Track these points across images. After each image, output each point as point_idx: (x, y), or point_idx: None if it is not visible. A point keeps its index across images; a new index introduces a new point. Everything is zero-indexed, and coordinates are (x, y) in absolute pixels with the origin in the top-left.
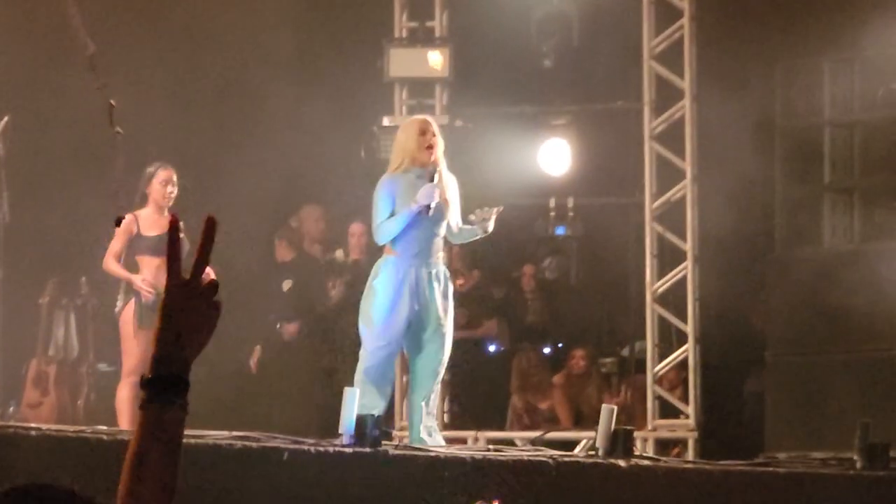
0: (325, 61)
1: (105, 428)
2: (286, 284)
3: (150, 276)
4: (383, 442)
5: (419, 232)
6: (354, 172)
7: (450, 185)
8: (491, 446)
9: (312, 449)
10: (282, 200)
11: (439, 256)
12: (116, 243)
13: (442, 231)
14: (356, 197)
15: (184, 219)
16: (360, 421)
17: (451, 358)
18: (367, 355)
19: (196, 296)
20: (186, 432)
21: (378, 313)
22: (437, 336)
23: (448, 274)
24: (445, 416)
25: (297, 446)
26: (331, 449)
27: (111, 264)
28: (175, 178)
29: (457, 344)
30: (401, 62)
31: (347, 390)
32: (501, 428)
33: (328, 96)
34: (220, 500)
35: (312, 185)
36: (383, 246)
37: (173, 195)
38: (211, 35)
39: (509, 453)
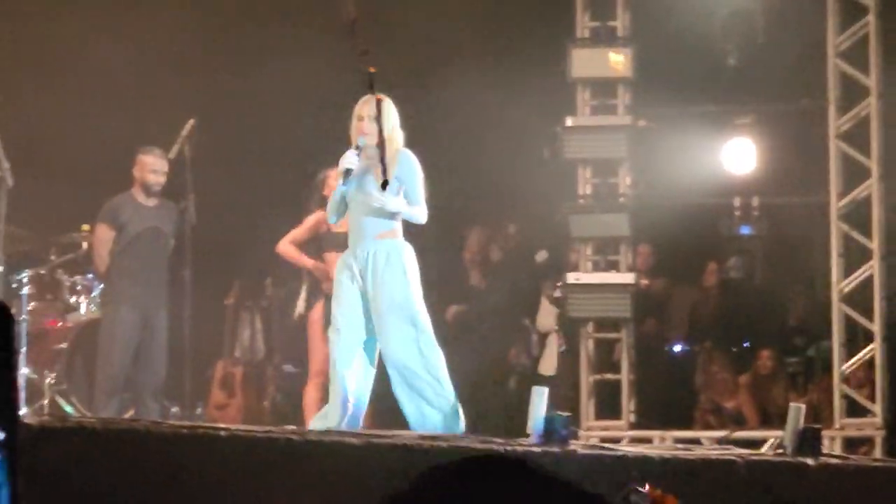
0: (508, 62)
1: (294, 428)
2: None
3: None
4: (571, 441)
5: (352, 211)
6: (539, 172)
7: (396, 163)
8: (678, 445)
9: (502, 448)
10: (468, 202)
11: (382, 234)
12: (300, 232)
13: (375, 210)
14: (542, 196)
15: None
16: (549, 420)
17: (636, 356)
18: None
19: None
20: (379, 432)
21: (336, 298)
22: (390, 318)
23: (401, 251)
24: (631, 416)
25: (485, 446)
26: (519, 448)
27: (287, 247)
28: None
29: (640, 343)
30: (583, 62)
31: (535, 389)
32: (687, 427)
33: (511, 97)
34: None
35: (498, 187)
36: None
37: None
38: (393, 34)
39: (697, 452)
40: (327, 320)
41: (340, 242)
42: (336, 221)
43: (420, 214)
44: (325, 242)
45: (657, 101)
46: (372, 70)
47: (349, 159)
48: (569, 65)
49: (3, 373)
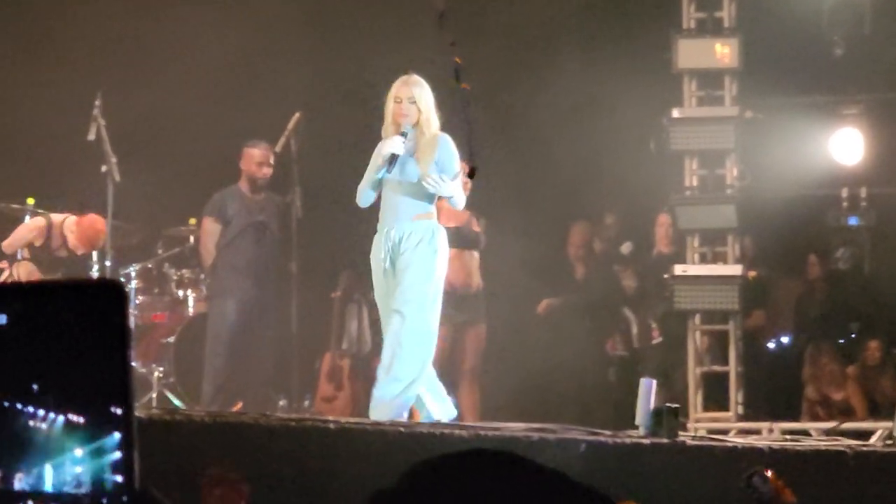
0: (614, 53)
1: (403, 420)
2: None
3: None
4: (679, 433)
5: (388, 192)
6: (647, 164)
7: (435, 146)
8: (787, 437)
9: (610, 441)
10: (572, 194)
11: (420, 216)
12: None
13: (414, 192)
14: (653, 188)
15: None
16: (657, 412)
17: (743, 348)
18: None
19: None
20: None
21: (375, 283)
22: (410, 296)
23: (436, 232)
24: (739, 408)
25: (594, 438)
26: (627, 440)
27: None
28: (466, 170)
29: (747, 335)
30: (690, 53)
31: (643, 381)
32: (795, 419)
33: (617, 88)
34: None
35: (606, 178)
36: None
37: (468, 187)
38: (497, 24)
39: (806, 443)
40: None
41: (450, 237)
42: (366, 205)
43: (461, 200)
44: None
45: (764, 91)
46: (458, 61)
47: (396, 145)
48: (675, 56)
49: (117, 350)
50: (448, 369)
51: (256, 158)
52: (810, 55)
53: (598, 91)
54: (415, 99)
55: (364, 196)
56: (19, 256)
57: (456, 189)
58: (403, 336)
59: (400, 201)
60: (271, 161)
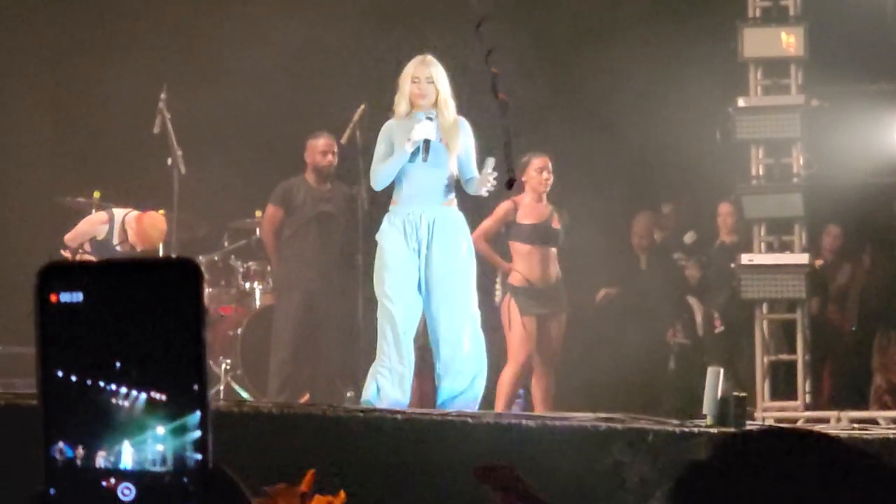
0: (679, 42)
1: (470, 411)
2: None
3: (521, 262)
4: (747, 422)
5: (415, 176)
6: (711, 153)
7: (459, 131)
8: (855, 425)
9: (677, 430)
10: (637, 184)
11: (447, 202)
12: (492, 225)
13: (442, 177)
14: (716, 178)
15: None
16: (724, 401)
17: (811, 336)
18: (381, 312)
19: None
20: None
21: (387, 270)
22: (459, 289)
23: (463, 219)
24: (807, 397)
25: (661, 427)
26: (695, 429)
27: (482, 244)
28: (550, 165)
29: (815, 323)
30: (755, 42)
31: (711, 370)
32: (864, 408)
33: (683, 78)
34: (579, 479)
35: (669, 168)
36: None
37: (549, 182)
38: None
39: (874, 432)
40: (520, 308)
41: (527, 234)
42: (382, 188)
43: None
44: (512, 232)
45: (830, 79)
46: (495, 72)
47: (429, 130)
48: (740, 45)
49: (193, 328)
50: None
51: (320, 147)
52: (876, 42)
53: (664, 82)
54: (433, 79)
55: (384, 179)
56: (81, 251)
57: (490, 180)
58: (462, 329)
59: (429, 186)
60: (335, 150)
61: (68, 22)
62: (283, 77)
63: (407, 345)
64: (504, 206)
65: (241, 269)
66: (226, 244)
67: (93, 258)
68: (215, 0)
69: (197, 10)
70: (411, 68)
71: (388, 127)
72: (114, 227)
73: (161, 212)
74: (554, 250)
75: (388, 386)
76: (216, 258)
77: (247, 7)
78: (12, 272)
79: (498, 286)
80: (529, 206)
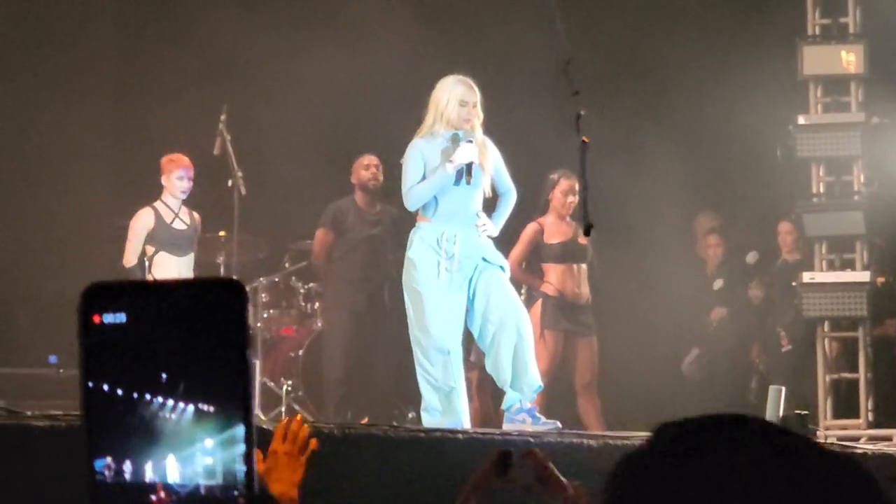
0: (739, 60)
1: (531, 430)
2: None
3: (555, 280)
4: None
5: (451, 197)
6: (771, 171)
7: (489, 150)
8: None
9: None
10: (694, 200)
11: (478, 225)
12: (522, 250)
13: (478, 198)
14: (777, 196)
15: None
16: (785, 419)
17: (873, 354)
18: (422, 335)
19: None
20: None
21: (423, 285)
22: (509, 308)
23: (489, 241)
24: (869, 415)
25: None
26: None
27: (517, 271)
28: (576, 186)
29: (877, 341)
30: (815, 60)
31: (772, 388)
32: None
33: (743, 96)
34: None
35: (728, 184)
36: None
37: (573, 205)
38: (621, 30)
39: None
40: (542, 321)
41: (557, 252)
42: (416, 209)
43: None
44: (543, 254)
45: (891, 96)
46: (581, 113)
47: (472, 153)
48: (800, 63)
49: (237, 346)
50: (560, 377)
51: (364, 162)
52: None
53: (723, 99)
54: (477, 103)
55: (421, 200)
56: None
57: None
58: (522, 345)
59: (465, 206)
60: (378, 164)
61: (130, 46)
62: (342, 98)
63: (455, 363)
64: (531, 229)
65: (301, 290)
66: (286, 265)
67: (161, 255)
68: (271, 27)
69: (254, 38)
70: (459, 91)
71: (418, 147)
72: (160, 211)
73: (222, 233)
74: (584, 267)
75: (434, 402)
76: (277, 279)
77: (303, 32)
78: (70, 294)
79: (522, 296)
80: (554, 226)
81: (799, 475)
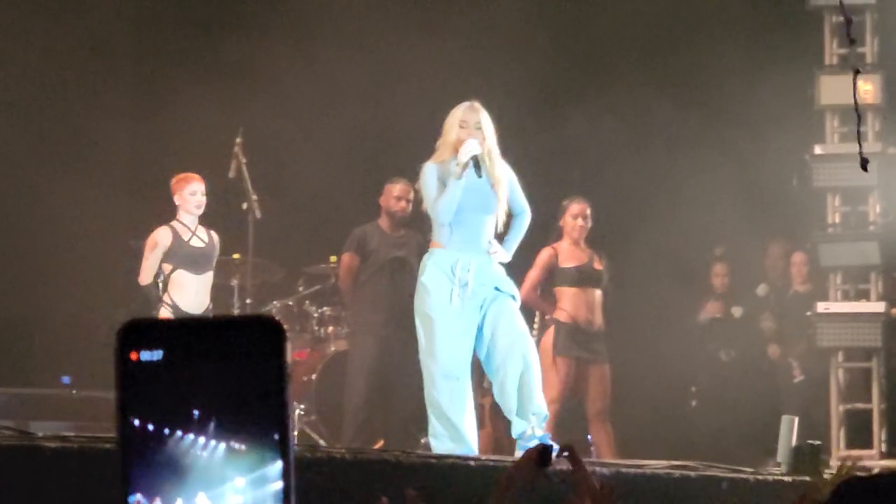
0: (756, 89)
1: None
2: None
3: (569, 306)
4: (824, 470)
5: (467, 224)
6: (786, 201)
7: (503, 178)
8: None
9: (751, 478)
10: (709, 230)
11: (492, 250)
12: (537, 274)
13: (492, 224)
14: (792, 226)
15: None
16: (799, 449)
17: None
18: (431, 360)
19: None
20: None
21: (435, 310)
22: (519, 335)
23: (502, 269)
24: (882, 445)
25: (735, 475)
26: (770, 478)
27: (531, 295)
28: (588, 211)
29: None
30: (832, 90)
31: (785, 418)
32: None
33: (759, 125)
34: None
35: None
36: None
37: (585, 229)
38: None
39: None
40: (555, 348)
41: (571, 276)
42: (449, 221)
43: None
44: (557, 277)
45: None
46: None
47: (474, 146)
48: (817, 92)
49: (274, 382)
50: (570, 404)
51: (395, 193)
52: None
53: (739, 128)
54: (481, 125)
55: (448, 211)
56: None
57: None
58: (528, 374)
59: (479, 234)
60: (410, 197)
61: (147, 69)
62: (357, 122)
63: (462, 390)
64: (545, 253)
65: (315, 315)
66: (300, 289)
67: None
68: (290, 46)
69: (273, 58)
70: (459, 113)
71: (430, 168)
72: (177, 230)
73: (236, 255)
74: (599, 293)
75: (440, 428)
76: (290, 303)
77: (322, 52)
78: (84, 316)
79: (536, 323)
80: (569, 251)
81: None
